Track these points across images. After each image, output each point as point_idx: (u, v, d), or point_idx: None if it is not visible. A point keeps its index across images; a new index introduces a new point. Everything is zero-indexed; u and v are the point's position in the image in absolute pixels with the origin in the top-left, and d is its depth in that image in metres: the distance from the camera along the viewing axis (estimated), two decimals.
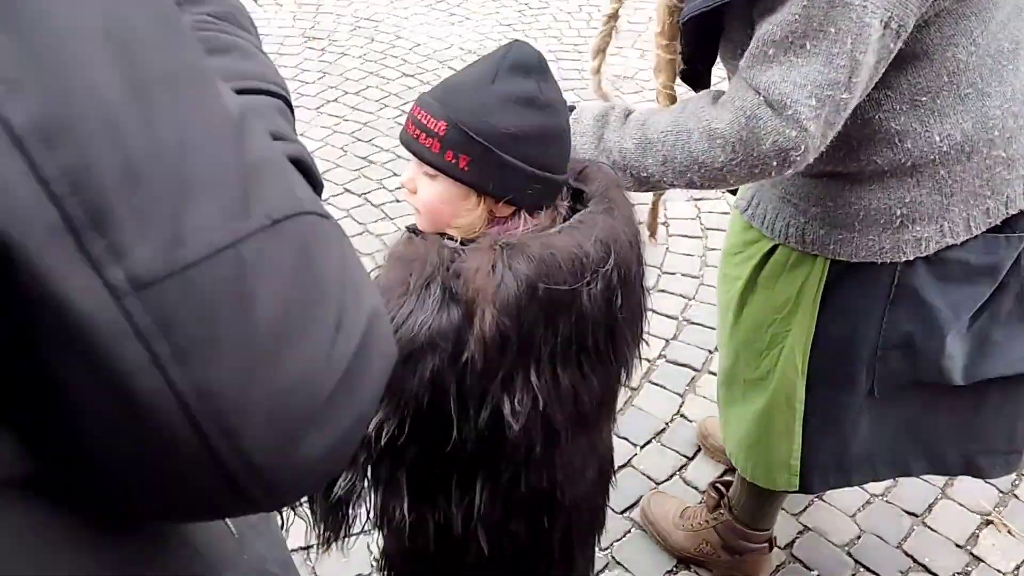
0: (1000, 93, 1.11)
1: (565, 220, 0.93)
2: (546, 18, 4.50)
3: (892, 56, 1.03)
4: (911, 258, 1.20)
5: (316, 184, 0.61)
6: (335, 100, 3.62)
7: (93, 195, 0.36)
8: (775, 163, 1.02)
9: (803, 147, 1.01)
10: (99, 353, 0.37)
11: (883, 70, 1.04)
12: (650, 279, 2.63)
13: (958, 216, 1.17)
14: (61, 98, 0.36)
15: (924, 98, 1.09)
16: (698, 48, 1.18)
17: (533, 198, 0.92)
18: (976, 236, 1.20)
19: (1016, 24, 1.11)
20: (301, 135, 3.33)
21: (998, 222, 1.20)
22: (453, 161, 0.89)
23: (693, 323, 2.44)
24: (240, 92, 0.62)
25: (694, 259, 2.71)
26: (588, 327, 0.87)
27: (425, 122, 0.91)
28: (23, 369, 0.39)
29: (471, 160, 0.89)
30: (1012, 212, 1.20)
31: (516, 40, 0.93)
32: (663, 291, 2.58)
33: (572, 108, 1.18)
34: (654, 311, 2.49)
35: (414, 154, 0.93)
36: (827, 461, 1.41)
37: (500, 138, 0.88)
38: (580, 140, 1.13)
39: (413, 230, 0.97)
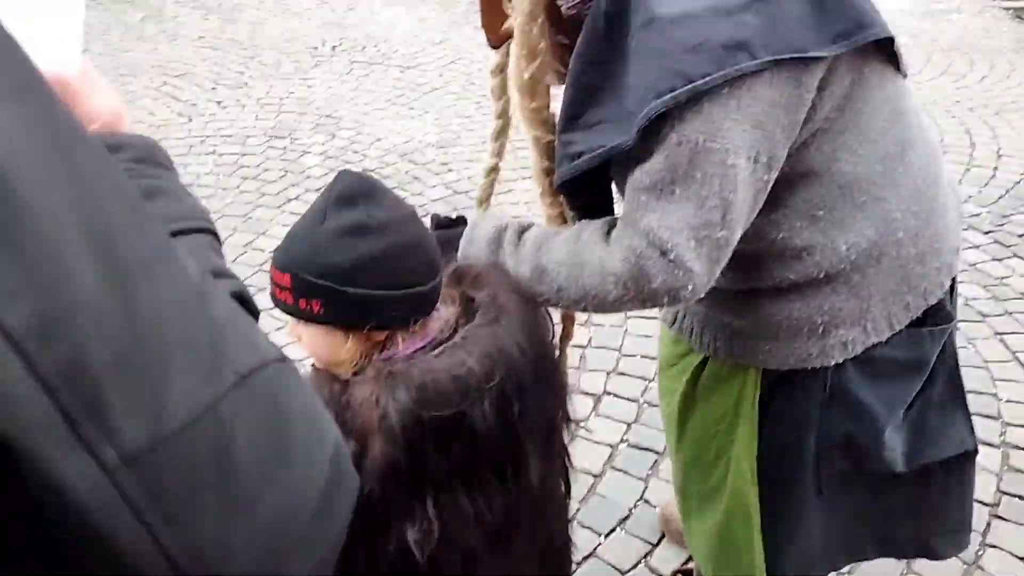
0: (896, 195, 1.14)
1: (461, 327, 0.95)
2: None
3: (770, 184, 1.05)
4: (840, 360, 1.20)
5: (254, 315, 0.65)
6: (297, 198, 3.68)
7: (85, 385, 0.39)
8: (665, 299, 1.04)
9: (691, 286, 1.02)
10: (95, 527, 0.40)
11: (763, 199, 1.06)
12: (608, 362, 2.66)
13: (879, 315, 1.18)
14: (52, 299, 0.39)
15: (821, 212, 1.11)
16: (588, 200, 1.18)
17: (399, 317, 0.93)
18: (900, 332, 1.20)
19: (898, 126, 1.14)
20: (263, 233, 3.38)
21: (919, 314, 1.21)
22: (307, 308, 0.92)
23: (654, 405, 2.45)
24: (173, 235, 0.67)
25: (652, 340, 2.74)
26: (483, 445, 0.88)
27: (276, 278, 0.95)
28: (21, 536, 0.42)
29: (323, 302, 0.91)
30: (932, 303, 1.21)
31: (342, 171, 0.96)
32: (622, 374, 2.60)
33: (460, 221, 1.21)
34: (614, 395, 2.51)
35: (279, 309, 0.96)
36: (790, 569, 1.40)
37: (341, 274, 0.90)
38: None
39: (315, 366, 1.00)
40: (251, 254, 3.25)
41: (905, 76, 1.16)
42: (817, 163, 1.08)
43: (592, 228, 1.10)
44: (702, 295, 1.06)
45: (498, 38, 1.13)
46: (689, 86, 0.94)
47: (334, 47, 5.58)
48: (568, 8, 1.06)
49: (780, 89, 0.98)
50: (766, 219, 1.10)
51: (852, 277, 1.15)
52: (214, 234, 0.72)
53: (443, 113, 4.54)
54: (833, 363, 1.20)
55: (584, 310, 1.10)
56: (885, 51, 1.10)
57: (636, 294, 1.04)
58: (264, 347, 0.49)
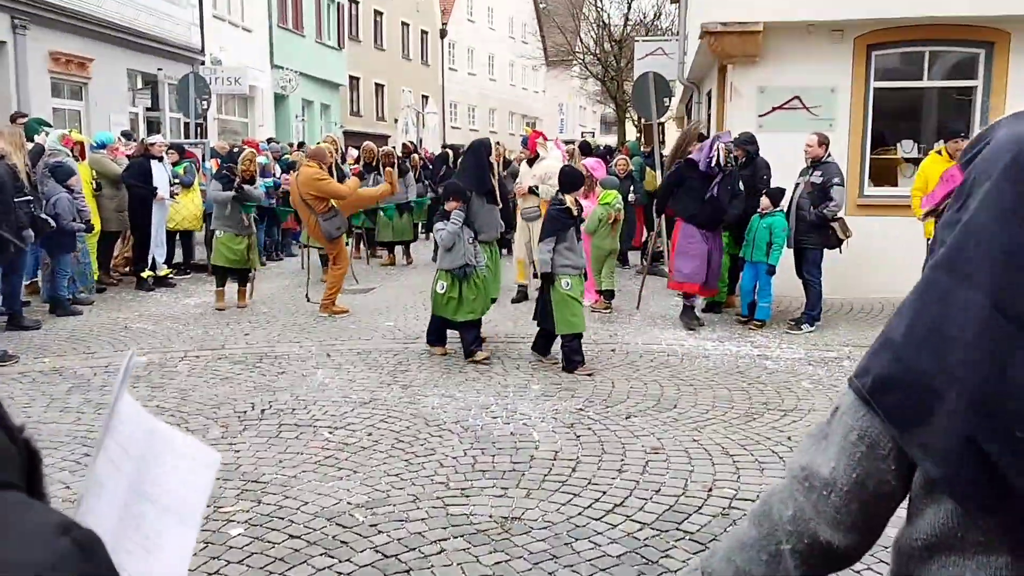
0: None
1: None
2: (432, 464, 4.64)
3: (890, 483, 1.08)
4: None
5: None
6: (215, 572, 3.47)
7: None
8: (790, 529, 1.12)
9: (791, 514, 1.12)
10: None
11: (883, 498, 1.09)
12: None
13: None
14: None
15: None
16: None
17: None
18: None
19: None
20: None
21: None
22: None
23: None
24: None
25: None
26: None
27: None
28: None
29: None
30: None
31: None
32: None
33: None
34: None
35: None
36: None
37: None
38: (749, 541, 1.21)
39: None
40: None
41: None
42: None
43: None
44: (811, 545, 1.11)
45: None
46: (855, 388, 1.10)
47: (263, 411, 5.64)
48: None
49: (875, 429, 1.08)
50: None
51: None
52: None
53: (371, 473, 4.51)
54: None
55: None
56: None
57: (786, 519, 1.14)
58: None
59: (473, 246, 6.96)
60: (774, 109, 9.60)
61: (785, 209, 8.09)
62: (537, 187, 9.38)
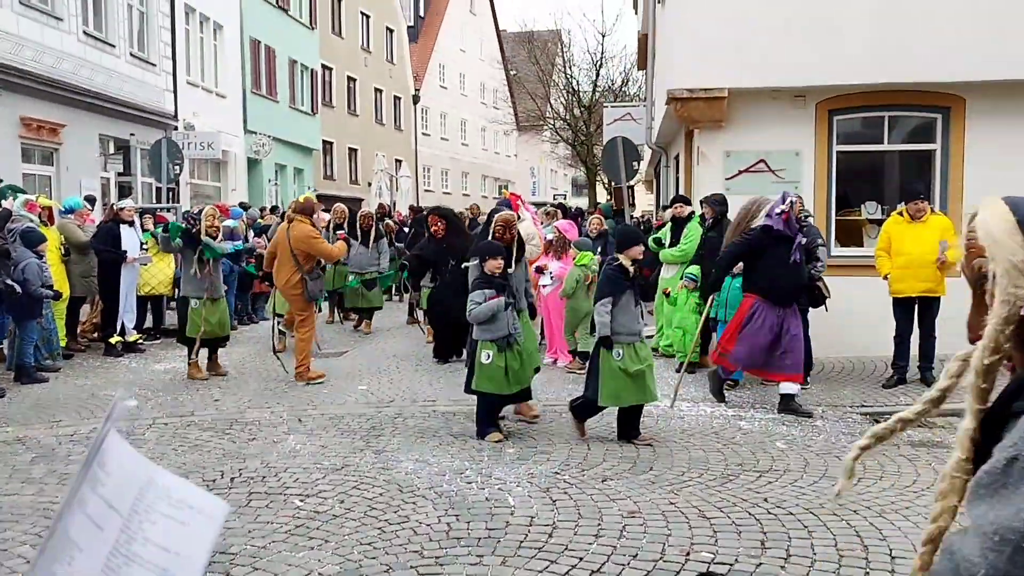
0: None
1: None
2: (406, 532, 4.55)
3: None
4: None
5: None
6: None
7: None
8: None
9: (989, 572, 1.10)
10: None
11: None
12: None
13: None
14: None
15: None
16: None
17: None
18: None
19: None
20: None
21: None
22: None
23: None
24: None
25: None
26: None
27: None
28: None
29: None
30: None
31: None
32: None
33: None
34: None
35: None
36: None
37: None
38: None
39: None
40: None
41: None
42: None
43: None
44: None
45: (976, 337, 1.35)
46: None
47: (233, 479, 5.52)
48: None
49: None
50: None
51: None
52: None
53: (343, 542, 4.41)
54: None
55: None
56: None
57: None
58: None
59: (513, 315, 6.35)
60: (741, 172, 9.80)
61: None
62: None
